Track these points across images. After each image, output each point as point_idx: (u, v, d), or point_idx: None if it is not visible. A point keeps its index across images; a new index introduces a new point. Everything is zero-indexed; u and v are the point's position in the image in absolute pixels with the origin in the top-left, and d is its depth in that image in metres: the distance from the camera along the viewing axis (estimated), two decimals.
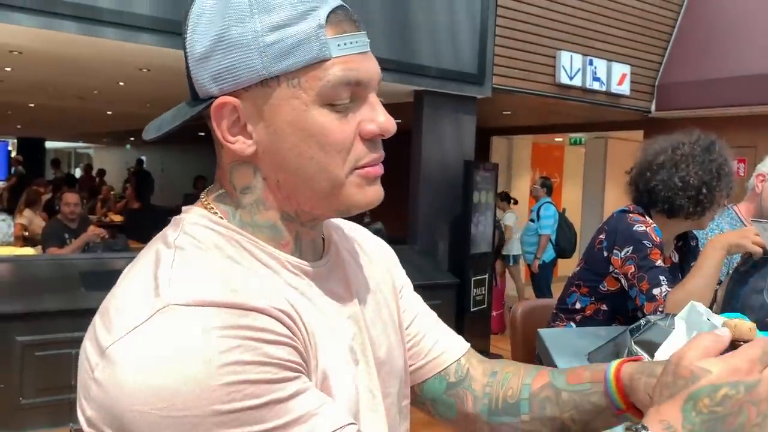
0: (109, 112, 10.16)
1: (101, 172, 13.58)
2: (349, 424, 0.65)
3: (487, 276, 6.26)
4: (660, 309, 1.75)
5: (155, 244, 0.73)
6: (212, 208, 0.76)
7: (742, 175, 6.55)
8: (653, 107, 7.78)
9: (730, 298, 1.74)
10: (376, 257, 0.95)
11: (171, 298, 0.63)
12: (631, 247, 1.90)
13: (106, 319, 0.66)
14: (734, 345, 0.66)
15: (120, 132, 14.07)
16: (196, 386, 0.59)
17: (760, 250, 1.71)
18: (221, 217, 0.75)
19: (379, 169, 0.76)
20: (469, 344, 1.00)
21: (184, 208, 0.78)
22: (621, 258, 1.92)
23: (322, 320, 0.75)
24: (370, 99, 0.74)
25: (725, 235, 1.84)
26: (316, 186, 0.73)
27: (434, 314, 1.01)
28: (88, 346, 0.66)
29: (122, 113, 9.99)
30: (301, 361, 0.67)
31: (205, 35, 0.70)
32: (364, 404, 0.79)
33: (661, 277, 1.83)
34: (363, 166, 0.74)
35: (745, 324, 0.65)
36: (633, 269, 1.88)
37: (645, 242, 1.88)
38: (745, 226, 2.49)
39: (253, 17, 0.68)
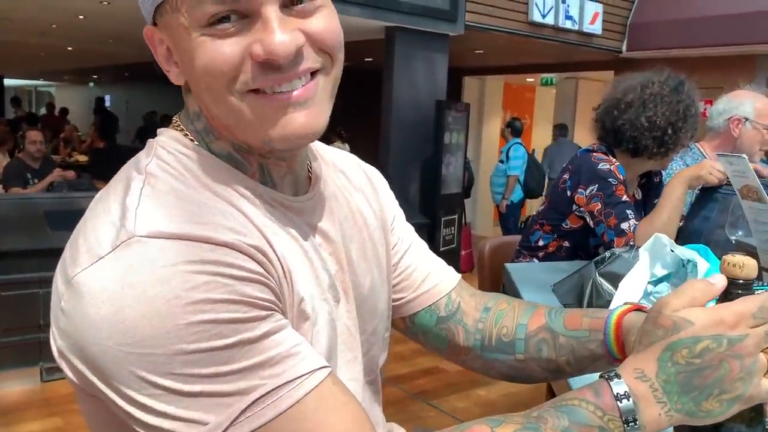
0: (69, 48, 9.78)
1: (64, 111, 13.16)
2: (321, 367, 0.63)
3: (456, 216, 6.31)
4: (631, 242, 1.79)
5: (127, 169, 0.70)
6: (183, 131, 0.73)
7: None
8: (624, 47, 7.77)
9: (691, 233, 1.78)
10: (367, 189, 0.93)
11: (137, 229, 0.61)
12: (597, 185, 1.92)
13: (73, 248, 0.64)
14: (735, 284, 0.64)
15: (82, 69, 13.60)
16: (161, 324, 0.57)
17: (719, 178, 1.75)
18: (192, 140, 0.72)
19: (285, 97, 0.67)
20: (459, 276, 0.99)
21: (159, 130, 0.76)
22: (586, 196, 1.94)
23: (300, 255, 0.73)
24: (263, 15, 0.64)
25: (686, 170, 1.88)
26: (225, 117, 0.68)
27: (425, 245, 1.00)
28: (57, 275, 0.65)
29: (84, 50, 9.63)
30: (274, 299, 0.64)
31: None
32: (341, 341, 0.79)
33: (628, 212, 1.86)
34: (256, 90, 0.66)
35: (747, 260, 0.64)
36: (599, 206, 1.90)
37: (610, 179, 1.90)
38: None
39: None
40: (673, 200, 1.81)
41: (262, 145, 0.70)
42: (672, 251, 1.27)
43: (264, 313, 0.62)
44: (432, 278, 0.95)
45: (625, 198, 1.89)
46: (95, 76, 15.50)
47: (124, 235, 0.61)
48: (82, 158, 8.94)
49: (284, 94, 0.67)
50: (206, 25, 0.64)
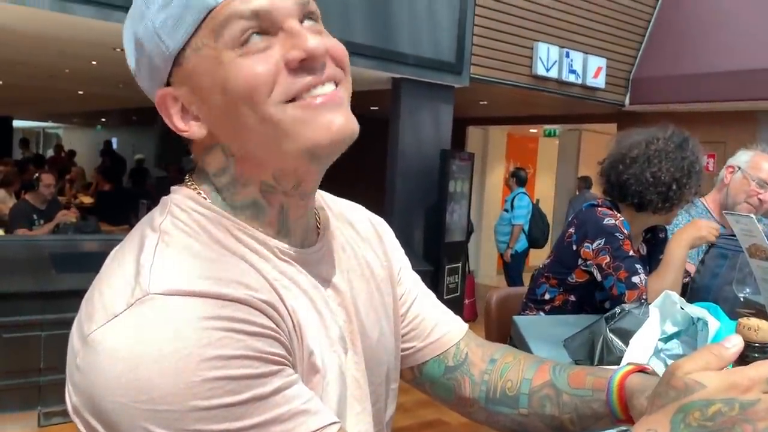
0: (80, 92, 9.95)
1: (71, 153, 13.30)
2: (332, 423, 0.64)
3: (460, 264, 6.30)
4: (643, 297, 1.79)
5: (142, 226, 0.71)
6: (196, 188, 0.74)
7: (712, 170, 6.68)
8: (627, 101, 7.88)
9: (701, 289, 1.78)
10: (374, 240, 0.93)
11: (152, 287, 0.62)
12: (603, 239, 1.93)
13: (89, 305, 0.65)
14: (751, 347, 0.64)
15: (91, 112, 13.80)
16: (176, 381, 0.58)
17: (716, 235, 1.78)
18: (205, 198, 0.73)
19: (325, 95, 0.68)
20: (467, 326, 0.98)
21: (172, 188, 0.77)
22: (593, 250, 1.95)
23: (310, 308, 0.73)
24: (286, 27, 0.67)
25: (685, 231, 1.90)
26: (264, 137, 0.68)
27: (433, 295, 1.00)
28: (74, 331, 0.65)
29: (94, 93, 9.79)
30: (285, 353, 0.65)
31: (129, 51, 0.73)
32: (350, 393, 0.79)
33: (637, 266, 1.87)
34: (296, 96, 0.67)
35: (765, 324, 0.64)
36: (608, 259, 1.91)
37: (617, 234, 1.91)
38: (713, 217, 2.56)
39: (148, 8, 0.69)
40: (677, 261, 1.84)
41: (300, 162, 0.70)
42: (682, 309, 1.27)
43: (276, 368, 0.62)
44: (441, 328, 0.95)
45: (632, 252, 1.90)
46: (103, 120, 15.69)
47: (138, 293, 0.62)
48: (87, 200, 8.99)
49: (322, 97, 0.68)
50: (237, 46, 0.67)
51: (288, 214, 0.76)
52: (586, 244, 1.97)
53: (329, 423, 0.63)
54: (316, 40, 0.67)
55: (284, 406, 0.61)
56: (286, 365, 0.64)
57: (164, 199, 0.75)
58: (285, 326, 0.67)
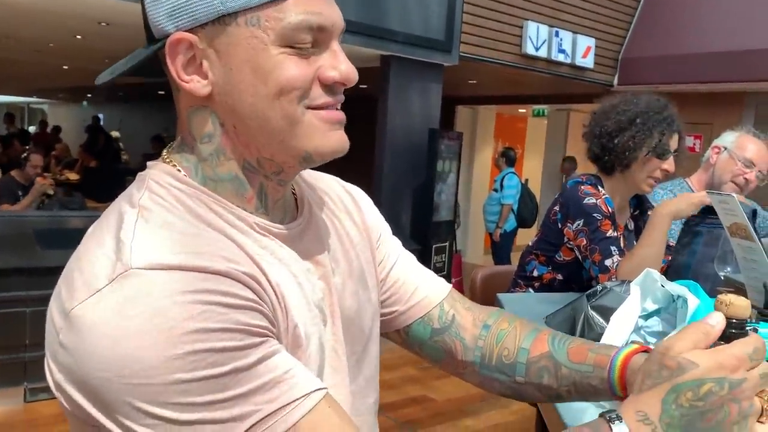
0: (65, 67, 9.81)
1: (57, 129, 13.14)
2: (316, 390, 0.64)
3: (447, 244, 6.33)
4: (613, 279, 1.80)
5: (120, 202, 0.71)
6: (175, 165, 0.74)
7: (698, 150, 6.73)
8: (616, 81, 7.89)
9: (679, 267, 1.80)
10: (352, 209, 0.94)
11: (133, 262, 0.62)
12: (582, 220, 1.94)
13: (69, 281, 0.65)
14: (729, 323, 0.64)
15: (77, 88, 13.62)
16: (159, 354, 0.58)
17: (701, 204, 1.78)
18: (185, 175, 0.73)
19: (339, 114, 0.74)
20: (450, 287, 0.99)
21: (148, 163, 0.77)
22: (573, 231, 1.96)
23: (292, 281, 0.74)
24: (332, 46, 0.73)
25: (670, 203, 1.88)
26: (272, 128, 0.71)
27: (413, 258, 1.00)
28: (53, 308, 0.65)
29: (79, 68, 9.65)
30: (268, 325, 0.66)
31: None
32: (328, 363, 0.80)
33: (612, 248, 1.87)
34: (318, 107, 0.72)
35: (740, 301, 0.64)
36: (585, 242, 1.93)
37: (595, 215, 1.92)
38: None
39: None
40: (658, 235, 1.81)
41: (292, 160, 0.74)
42: (662, 286, 1.28)
43: (258, 339, 0.63)
44: (422, 290, 0.96)
45: (610, 233, 1.90)
46: (89, 95, 15.51)
47: (120, 268, 0.62)
48: (73, 176, 8.92)
49: (337, 113, 0.74)
50: (287, 45, 0.69)
51: (267, 194, 0.77)
52: (568, 224, 1.98)
53: (315, 389, 0.64)
54: (350, 67, 0.73)
55: (267, 375, 0.62)
56: (269, 336, 0.65)
57: (141, 174, 0.75)
58: (268, 299, 0.68)
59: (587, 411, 1.07)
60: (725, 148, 2.57)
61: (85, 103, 16.75)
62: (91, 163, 9.29)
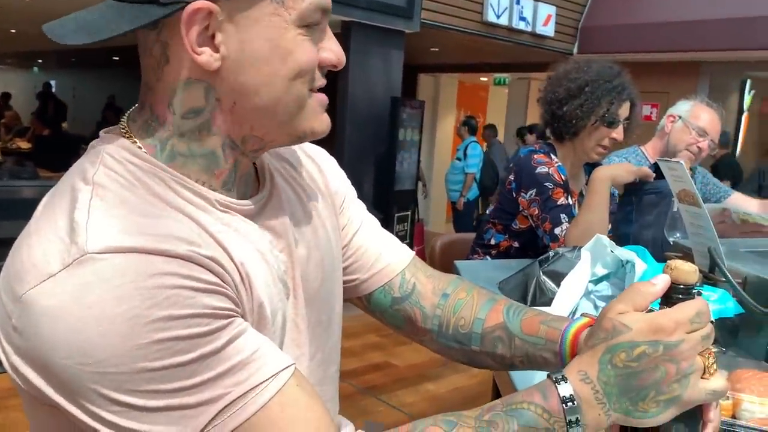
0: (12, 31, 9.43)
1: (5, 96, 12.68)
2: (285, 368, 0.64)
3: (410, 212, 6.36)
4: (563, 246, 1.83)
5: (72, 178, 0.67)
6: (135, 140, 0.70)
7: (654, 119, 6.85)
8: (575, 49, 7.94)
9: (619, 237, 1.84)
10: (314, 173, 0.93)
11: (89, 246, 0.59)
12: (535, 190, 1.96)
13: (17, 262, 0.62)
14: (676, 288, 0.66)
15: (26, 53, 13.12)
16: (123, 344, 0.57)
17: (639, 174, 1.82)
18: (145, 152, 0.70)
19: (326, 96, 0.76)
20: (413, 254, 0.99)
21: (102, 133, 0.73)
22: (527, 200, 1.99)
23: (257, 257, 0.73)
24: (327, 29, 0.74)
25: (607, 168, 1.92)
26: (281, 109, 0.71)
27: (377, 223, 1.00)
28: (1, 290, 0.62)
29: (28, 33, 9.29)
30: (233, 306, 0.64)
31: None
32: (289, 337, 0.80)
33: (562, 216, 1.90)
34: (316, 90, 0.74)
35: (686, 266, 0.66)
36: (537, 211, 1.95)
37: (546, 184, 1.94)
38: (651, 165, 2.63)
39: None
40: (599, 200, 1.83)
41: (283, 140, 0.76)
42: (612, 252, 1.32)
43: (224, 322, 0.62)
44: (383, 258, 0.95)
45: (561, 201, 1.92)
46: (40, 61, 14.96)
47: (75, 252, 0.59)
48: (25, 145, 8.64)
49: (324, 95, 0.76)
50: (303, 26, 0.70)
51: (237, 170, 0.75)
52: (522, 193, 2.01)
53: (284, 367, 0.64)
54: (341, 50, 0.75)
55: (235, 357, 0.61)
56: (234, 316, 0.64)
57: (94, 146, 0.71)
58: (231, 280, 0.67)
59: (536, 374, 1.10)
60: (680, 117, 2.62)
61: (35, 69, 16.16)
62: (43, 131, 9.01)
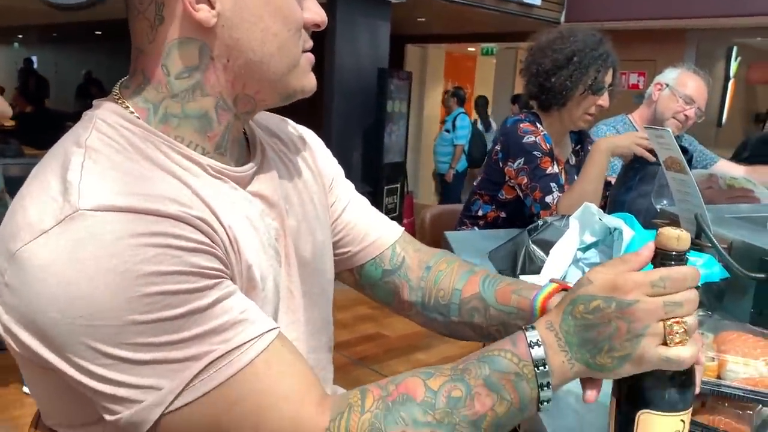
0: None
1: None
2: (269, 330, 0.66)
3: (399, 185, 6.36)
4: (554, 215, 1.84)
5: (65, 142, 0.69)
6: (127, 106, 0.71)
7: (641, 87, 6.85)
8: (563, 18, 7.89)
9: (615, 203, 1.85)
10: (304, 151, 0.94)
11: (81, 203, 0.60)
12: (523, 159, 1.96)
13: (12, 224, 0.63)
14: (678, 256, 0.65)
15: (5, 28, 12.87)
16: (113, 297, 0.58)
17: (642, 151, 1.79)
18: (137, 117, 0.71)
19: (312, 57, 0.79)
20: (402, 230, 1.01)
21: (95, 102, 0.74)
22: (515, 169, 1.99)
23: (246, 223, 0.74)
24: None
25: (608, 139, 1.90)
26: (274, 66, 0.73)
27: (366, 201, 1.02)
28: None
29: (7, 6, 9.11)
30: (222, 267, 0.66)
31: None
32: (283, 304, 0.81)
33: (552, 184, 1.91)
34: (306, 50, 0.77)
35: (673, 232, 0.66)
36: (526, 180, 1.96)
37: (535, 153, 1.95)
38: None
39: None
40: (596, 170, 1.83)
41: (274, 99, 0.77)
42: (600, 220, 1.33)
43: (213, 281, 0.63)
44: (374, 232, 0.98)
45: (549, 170, 1.93)
46: (20, 36, 14.69)
47: (68, 209, 0.60)
48: (8, 123, 8.52)
49: (311, 55, 0.78)
50: None
51: (230, 132, 0.76)
52: (509, 163, 2.01)
53: (268, 329, 0.66)
54: (323, 11, 0.77)
55: (223, 316, 0.63)
56: (223, 278, 0.65)
57: (88, 113, 0.72)
58: (220, 241, 0.68)
59: None
60: (667, 85, 2.62)
61: (16, 44, 15.87)
62: (27, 108, 8.88)
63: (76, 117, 0.74)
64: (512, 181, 2.04)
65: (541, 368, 0.66)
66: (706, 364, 0.85)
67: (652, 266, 0.68)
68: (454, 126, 7.18)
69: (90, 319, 0.58)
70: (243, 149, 0.81)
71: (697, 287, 0.66)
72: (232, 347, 0.63)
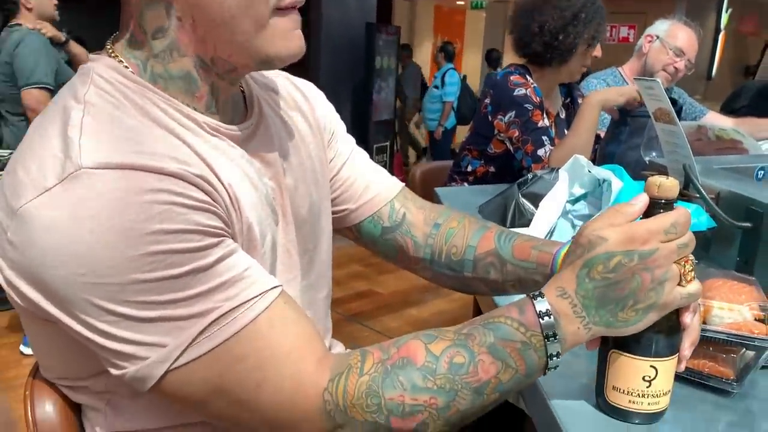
0: None
1: None
2: (272, 288, 0.66)
3: (388, 143, 6.33)
4: (545, 168, 1.85)
5: (64, 98, 0.68)
6: (121, 60, 0.71)
7: (632, 40, 6.79)
8: None
9: (606, 155, 1.86)
10: (302, 106, 0.93)
11: (83, 161, 0.60)
12: (514, 112, 1.95)
13: (14, 180, 0.62)
14: (658, 203, 0.67)
15: None
16: (116, 255, 0.58)
17: (629, 101, 1.80)
18: (132, 72, 0.70)
19: (298, 16, 0.73)
20: (402, 185, 1.00)
21: (91, 56, 0.73)
22: (505, 122, 1.98)
23: (244, 181, 0.74)
24: None
25: (599, 92, 1.90)
26: (238, 27, 0.68)
27: (366, 156, 1.01)
28: None
29: None
30: (223, 225, 0.66)
31: None
32: (281, 261, 0.82)
33: (544, 138, 1.91)
34: (284, 8, 0.70)
35: (665, 181, 0.68)
36: (517, 133, 1.95)
37: (526, 105, 1.94)
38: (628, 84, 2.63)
39: None
40: (587, 124, 1.84)
41: (249, 63, 0.72)
42: (589, 172, 1.33)
43: (215, 240, 0.64)
44: (372, 188, 0.97)
45: (541, 123, 1.93)
46: None
47: (70, 167, 0.60)
48: None
49: (297, 15, 0.72)
50: None
51: (218, 93, 0.75)
52: (499, 116, 2.00)
53: (271, 287, 0.66)
54: None
55: (226, 274, 0.63)
56: (225, 236, 0.66)
57: (84, 67, 0.72)
58: (221, 200, 0.68)
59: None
60: (657, 37, 2.61)
61: None
62: None
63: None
64: (501, 134, 2.03)
65: (552, 339, 0.65)
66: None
67: (641, 217, 0.68)
68: (443, 82, 7.10)
69: (94, 276, 0.58)
70: (239, 108, 0.80)
71: None
72: (236, 304, 0.63)
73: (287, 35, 0.71)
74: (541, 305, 0.66)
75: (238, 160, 0.74)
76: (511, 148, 2.02)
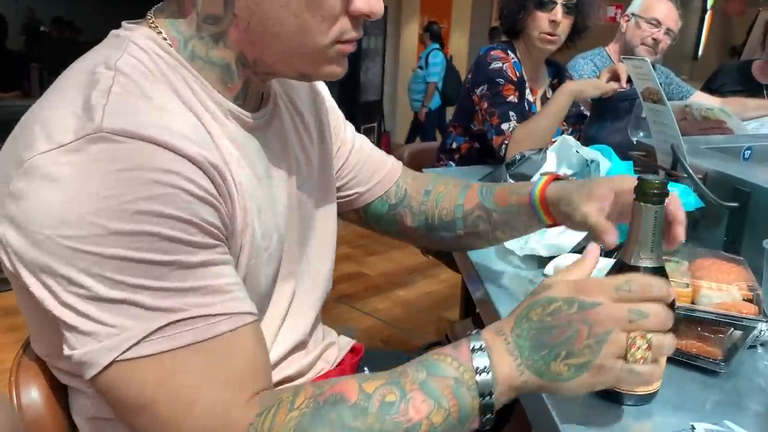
0: None
1: None
2: (246, 313, 0.64)
3: (376, 124, 6.31)
4: (506, 143, 1.87)
5: (93, 61, 0.66)
6: (160, 31, 0.69)
7: (618, 21, 6.77)
8: None
9: (588, 139, 1.88)
10: (312, 96, 0.94)
11: (104, 125, 0.58)
12: (486, 85, 1.97)
13: (27, 134, 0.60)
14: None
15: None
16: (107, 224, 0.56)
17: (604, 91, 1.87)
18: (170, 44, 0.69)
19: (354, 47, 0.73)
20: (401, 164, 1.06)
21: (126, 24, 0.71)
22: (478, 95, 2.00)
23: (254, 177, 0.73)
24: None
25: (577, 82, 1.97)
26: (293, 46, 0.68)
27: (367, 140, 1.06)
28: (4, 160, 0.61)
29: None
30: (221, 225, 0.64)
31: None
32: (285, 256, 0.82)
33: (511, 113, 1.92)
34: (344, 41, 0.70)
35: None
36: (486, 105, 1.96)
37: (498, 79, 1.95)
38: (614, 64, 2.63)
39: None
40: (555, 109, 1.89)
41: (291, 74, 0.73)
42: (577, 152, 1.33)
43: (210, 241, 0.62)
44: (381, 170, 1.03)
45: (511, 98, 1.94)
46: None
47: (90, 128, 0.58)
48: None
49: (353, 46, 0.72)
50: None
51: (249, 86, 0.75)
52: (475, 89, 2.01)
53: (245, 312, 0.65)
54: (377, 1, 0.70)
55: (206, 280, 0.61)
56: (220, 242, 0.64)
57: (120, 34, 0.70)
58: (227, 194, 0.67)
59: (505, 273, 1.13)
60: (633, 14, 2.61)
61: None
62: None
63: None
64: (477, 107, 2.04)
65: (484, 375, 0.62)
66: (680, 290, 0.86)
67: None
68: (426, 63, 7.05)
69: (77, 241, 0.56)
70: (258, 98, 0.80)
71: (672, 307, 0.64)
72: (204, 314, 0.61)
73: (337, 62, 0.72)
74: (476, 342, 0.64)
75: (253, 153, 0.74)
76: (483, 120, 2.03)
